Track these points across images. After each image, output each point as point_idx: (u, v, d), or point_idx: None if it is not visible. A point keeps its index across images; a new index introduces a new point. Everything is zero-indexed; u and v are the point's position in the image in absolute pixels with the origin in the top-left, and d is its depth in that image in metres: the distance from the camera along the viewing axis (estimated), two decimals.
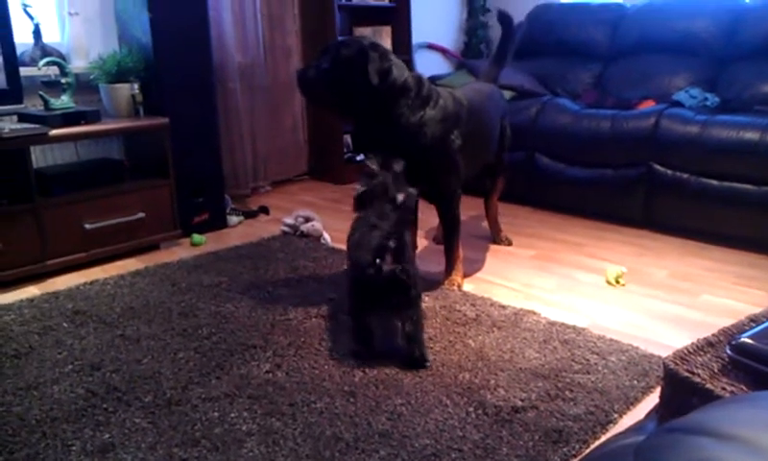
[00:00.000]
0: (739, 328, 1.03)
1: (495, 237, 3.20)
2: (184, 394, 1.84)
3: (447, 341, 2.12)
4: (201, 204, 3.40)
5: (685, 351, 0.98)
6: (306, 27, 4.43)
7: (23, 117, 2.88)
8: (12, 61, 2.80)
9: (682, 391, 0.91)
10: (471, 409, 1.74)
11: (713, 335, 1.04)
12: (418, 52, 4.88)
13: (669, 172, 3.14)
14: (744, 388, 0.88)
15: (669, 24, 3.87)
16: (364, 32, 4.74)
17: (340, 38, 2.44)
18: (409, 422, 1.69)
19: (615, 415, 1.72)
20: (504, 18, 3.03)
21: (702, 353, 0.98)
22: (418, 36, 4.84)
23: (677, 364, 0.94)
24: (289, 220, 3.37)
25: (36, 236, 2.75)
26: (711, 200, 3.01)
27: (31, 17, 3.04)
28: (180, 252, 3.14)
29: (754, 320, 1.06)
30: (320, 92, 2.43)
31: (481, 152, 2.75)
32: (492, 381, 1.88)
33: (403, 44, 4.68)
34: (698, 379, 0.90)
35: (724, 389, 0.88)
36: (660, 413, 0.96)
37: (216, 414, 1.74)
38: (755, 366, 0.90)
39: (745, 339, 0.94)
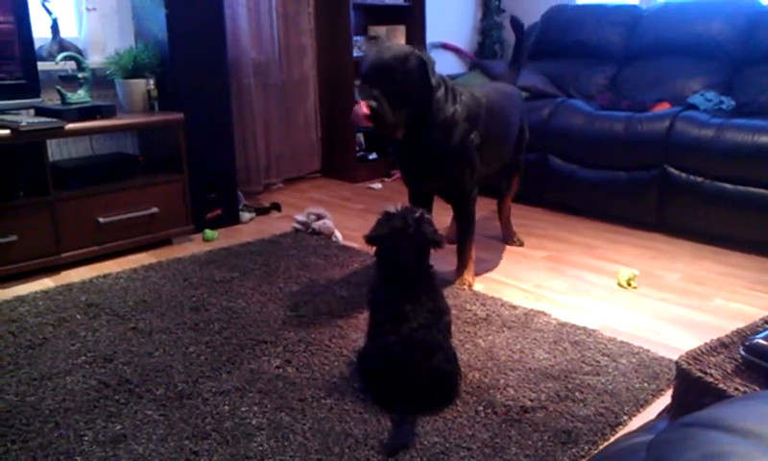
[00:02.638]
0: (753, 330, 1.03)
1: (507, 238, 3.20)
2: (195, 387, 1.86)
3: (457, 340, 2.12)
4: (213, 199, 3.42)
5: (698, 352, 0.98)
6: (321, 26, 4.45)
7: (40, 111, 2.91)
8: (30, 56, 2.83)
9: (694, 391, 0.91)
10: (481, 408, 1.74)
11: (726, 336, 1.04)
12: (432, 52, 4.87)
13: (683, 175, 3.12)
14: (757, 389, 0.88)
15: (685, 26, 3.84)
16: (379, 31, 4.74)
17: (372, 61, 2.26)
18: (418, 419, 1.69)
19: (625, 417, 1.71)
20: (516, 24, 3.05)
21: (715, 354, 0.98)
22: (432, 36, 4.84)
23: (690, 364, 0.94)
24: (301, 217, 3.38)
25: (51, 229, 2.78)
26: (726, 204, 2.99)
27: (49, 12, 3.07)
28: (192, 247, 3.16)
29: None
30: (393, 118, 2.27)
31: (499, 151, 2.75)
32: (502, 381, 1.88)
33: (417, 44, 4.67)
34: (711, 379, 0.89)
35: (737, 389, 0.87)
36: (672, 413, 0.96)
37: (227, 408, 1.75)
38: None
39: (759, 340, 0.93)
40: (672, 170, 3.16)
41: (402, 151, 2.51)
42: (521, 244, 3.15)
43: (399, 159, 2.59)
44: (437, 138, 2.38)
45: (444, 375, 1.74)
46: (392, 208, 1.87)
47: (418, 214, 1.84)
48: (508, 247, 3.14)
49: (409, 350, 1.70)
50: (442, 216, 3.01)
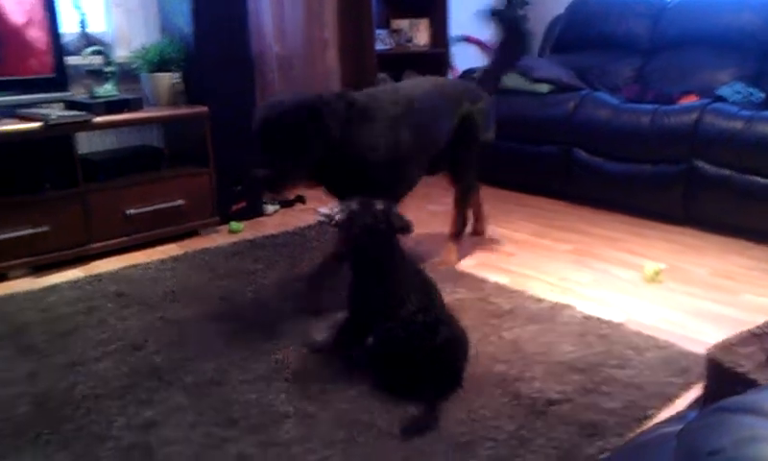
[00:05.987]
0: None
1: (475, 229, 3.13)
2: (223, 376, 1.88)
3: (482, 332, 2.12)
4: (239, 192, 3.46)
5: (729, 343, 0.97)
6: (343, 19, 4.45)
7: (69, 104, 2.96)
8: (59, 50, 2.88)
9: (726, 382, 0.90)
10: (506, 400, 1.74)
11: (758, 327, 1.03)
12: (455, 45, 4.85)
13: (711, 168, 3.07)
14: None
15: (712, 17, 3.77)
16: (401, 24, 4.73)
17: (260, 122, 2.24)
18: (443, 410, 1.69)
19: (652, 410, 1.70)
20: (504, 17, 2.82)
21: (746, 345, 0.97)
22: (456, 29, 4.81)
23: (721, 355, 0.93)
24: (325, 210, 3.37)
25: (81, 220, 2.83)
26: (755, 197, 2.93)
27: (77, 7, 3.12)
28: (218, 238, 3.20)
29: None
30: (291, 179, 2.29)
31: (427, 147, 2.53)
32: (528, 374, 1.88)
33: (440, 37, 4.66)
34: (743, 370, 0.89)
35: None
36: (703, 404, 0.95)
37: (254, 396, 1.78)
38: None
39: None
40: (700, 163, 3.11)
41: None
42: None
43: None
44: (355, 166, 2.25)
45: (452, 343, 1.77)
46: (354, 205, 1.91)
47: (382, 206, 1.88)
48: (533, 241, 3.12)
49: (411, 332, 1.73)
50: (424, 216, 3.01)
